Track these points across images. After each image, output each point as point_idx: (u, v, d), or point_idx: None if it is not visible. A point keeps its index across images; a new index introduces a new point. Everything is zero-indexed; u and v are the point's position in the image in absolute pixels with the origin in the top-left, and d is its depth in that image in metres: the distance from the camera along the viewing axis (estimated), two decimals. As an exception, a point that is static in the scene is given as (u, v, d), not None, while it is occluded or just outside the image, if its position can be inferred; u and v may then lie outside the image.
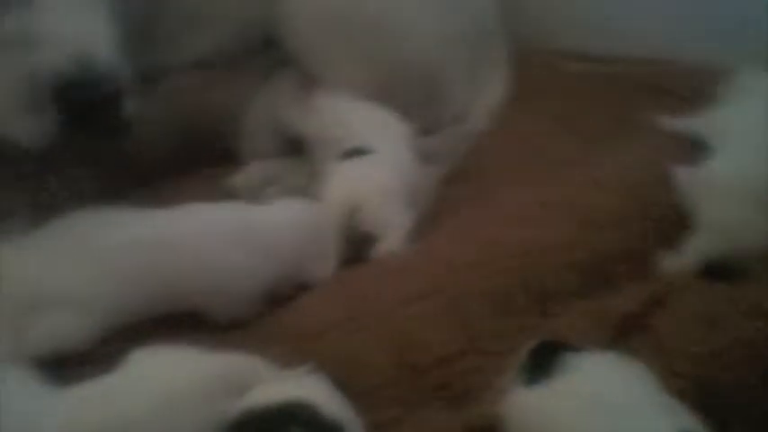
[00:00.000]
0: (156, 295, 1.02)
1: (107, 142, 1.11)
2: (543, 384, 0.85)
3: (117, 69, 1.06)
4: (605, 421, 0.81)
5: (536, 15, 1.61)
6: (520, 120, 1.44)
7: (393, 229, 1.14)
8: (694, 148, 1.21)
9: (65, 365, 0.94)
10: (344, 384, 0.89)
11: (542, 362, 0.88)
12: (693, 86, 1.38)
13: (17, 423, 0.82)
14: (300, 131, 1.30)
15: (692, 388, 0.90)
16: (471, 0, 1.45)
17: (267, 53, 1.36)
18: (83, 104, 1.03)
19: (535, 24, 1.60)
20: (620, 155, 1.27)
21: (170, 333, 0.98)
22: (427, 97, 1.37)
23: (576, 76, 1.52)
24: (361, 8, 1.29)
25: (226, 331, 1.04)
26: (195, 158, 1.33)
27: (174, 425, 0.85)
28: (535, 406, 0.85)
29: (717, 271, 1.07)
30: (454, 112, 1.42)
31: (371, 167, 1.18)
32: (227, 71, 1.36)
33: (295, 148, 1.32)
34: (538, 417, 0.85)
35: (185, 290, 1.03)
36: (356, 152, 1.20)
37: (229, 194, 1.27)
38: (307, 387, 0.85)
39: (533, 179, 1.27)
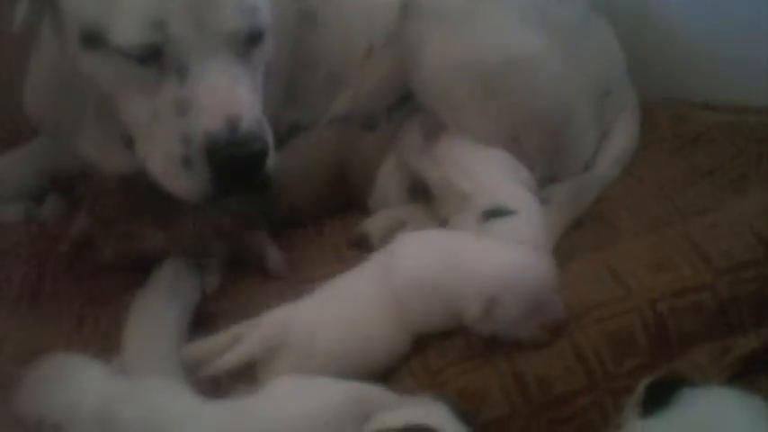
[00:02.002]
0: None
1: (252, 194, 1.21)
2: (659, 417, 0.88)
3: (261, 130, 1.15)
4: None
5: (662, 66, 1.60)
6: (648, 167, 1.46)
7: None
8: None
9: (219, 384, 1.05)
10: (468, 414, 0.95)
11: (659, 397, 0.91)
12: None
13: (173, 426, 0.93)
14: (425, 179, 1.35)
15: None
16: (597, 50, 1.46)
17: (399, 108, 1.42)
18: (231, 161, 1.13)
19: (662, 75, 1.60)
20: (748, 201, 1.28)
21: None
22: (554, 145, 1.39)
23: (705, 124, 1.52)
24: (488, 59, 1.32)
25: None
26: (332, 206, 1.42)
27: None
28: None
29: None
30: (583, 159, 1.44)
31: (518, 229, 1.22)
32: (360, 125, 1.43)
33: (422, 193, 1.36)
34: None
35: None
36: (495, 213, 1.24)
37: (361, 238, 1.33)
38: (429, 413, 0.91)
39: (661, 224, 1.28)
